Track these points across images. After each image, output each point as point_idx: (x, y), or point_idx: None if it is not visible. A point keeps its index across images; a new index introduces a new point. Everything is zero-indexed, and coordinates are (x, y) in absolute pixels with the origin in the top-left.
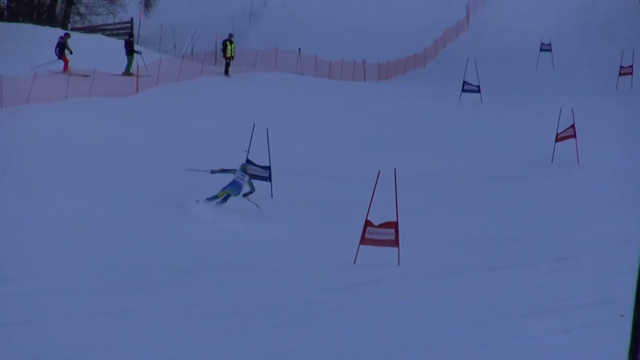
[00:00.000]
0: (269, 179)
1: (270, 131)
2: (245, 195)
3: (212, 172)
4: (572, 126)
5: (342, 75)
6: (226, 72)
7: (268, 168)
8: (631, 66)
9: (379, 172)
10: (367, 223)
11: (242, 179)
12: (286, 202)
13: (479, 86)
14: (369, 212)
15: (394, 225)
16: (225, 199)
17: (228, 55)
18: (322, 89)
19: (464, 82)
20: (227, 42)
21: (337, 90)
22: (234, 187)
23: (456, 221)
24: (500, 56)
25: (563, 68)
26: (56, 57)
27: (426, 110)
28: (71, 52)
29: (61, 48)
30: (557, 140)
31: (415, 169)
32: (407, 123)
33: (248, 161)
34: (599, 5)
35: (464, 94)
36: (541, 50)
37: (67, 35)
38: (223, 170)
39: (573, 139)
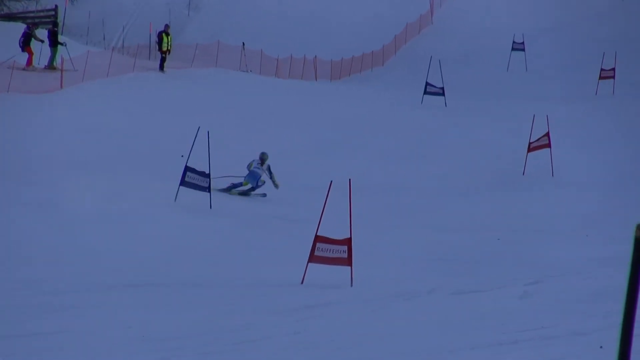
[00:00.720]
0: (207, 189)
1: (210, 134)
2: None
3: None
4: (547, 134)
5: (291, 73)
6: (161, 67)
7: (207, 176)
8: (613, 69)
9: (331, 182)
10: (317, 238)
11: (259, 168)
12: (228, 215)
13: (442, 88)
14: (320, 227)
15: (347, 241)
16: (248, 191)
17: (164, 48)
18: (269, 89)
19: (427, 84)
20: (163, 34)
21: (285, 90)
22: (250, 177)
23: (416, 238)
24: (467, 55)
25: (537, 70)
26: (20, 50)
27: (384, 114)
28: (42, 41)
29: (26, 39)
30: (529, 150)
31: (372, 180)
32: (362, 128)
33: (188, 167)
34: (578, 0)
35: (427, 96)
36: (513, 49)
37: (33, 26)
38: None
39: (547, 149)
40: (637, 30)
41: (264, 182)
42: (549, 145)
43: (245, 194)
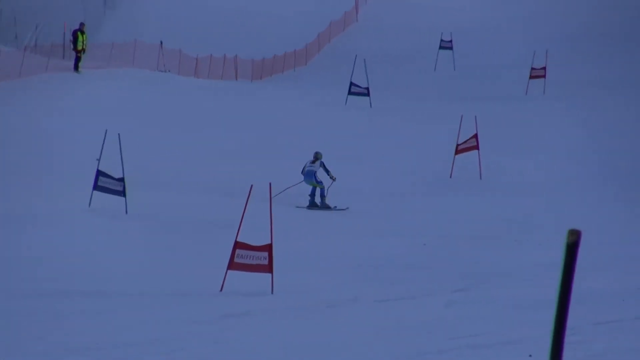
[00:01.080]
0: (122, 193)
1: (126, 136)
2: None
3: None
4: (475, 136)
5: (211, 73)
6: (76, 67)
7: (122, 180)
8: (544, 68)
9: (252, 186)
10: (237, 245)
11: (313, 166)
12: (144, 220)
13: (367, 88)
14: (240, 232)
15: (268, 248)
16: (322, 198)
17: (79, 47)
18: (187, 89)
19: (351, 84)
20: (78, 33)
21: (205, 90)
22: (307, 178)
23: (339, 244)
24: (394, 54)
25: (466, 69)
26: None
27: (307, 116)
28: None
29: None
30: (457, 152)
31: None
32: (285, 130)
33: (100, 172)
34: None
35: (351, 97)
36: (440, 48)
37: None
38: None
39: (475, 151)
40: (568, 29)
41: (321, 181)
42: (477, 147)
43: (326, 207)
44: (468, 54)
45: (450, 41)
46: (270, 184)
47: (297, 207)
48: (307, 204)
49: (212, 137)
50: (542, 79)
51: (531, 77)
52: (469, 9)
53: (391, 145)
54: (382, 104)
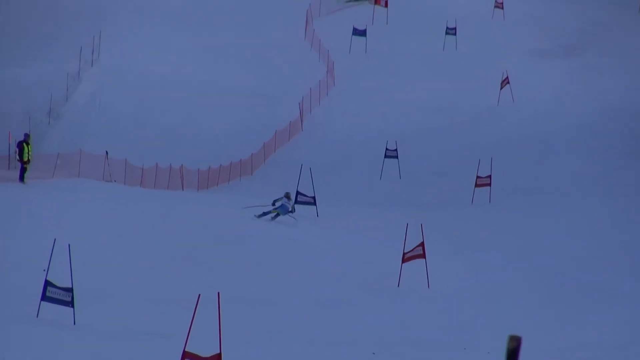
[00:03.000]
0: (71, 303)
1: (74, 246)
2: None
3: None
4: (421, 244)
5: (157, 183)
6: (22, 178)
7: (70, 290)
8: (489, 176)
9: (199, 295)
10: (185, 355)
11: (288, 203)
12: (89, 331)
13: (314, 197)
14: (187, 342)
15: (217, 357)
16: (275, 217)
17: (24, 158)
18: (133, 199)
19: (297, 193)
20: (24, 144)
21: (150, 200)
22: (282, 209)
23: (290, 350)
24: (340, 162)
25: (411, 177)
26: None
27: (253, 225)
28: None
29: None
30: (404, 260)
31: (244, 293)
32: (232, 239)
33: (48, 282)
34: (456, 103)
35: (298, 206)
36: (386, 156)
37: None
38: (274, 204)
39: (422, 259)
40: (511, 135)
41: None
42: (423, 256)
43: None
44: (414, 161)
45: (395, 149)
46: (218, 293)
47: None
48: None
49: (159, 246)
50: (488, 187)
51: (477, 185)
52: (412, 114)
53: (336, 254)
54: (329, 211)
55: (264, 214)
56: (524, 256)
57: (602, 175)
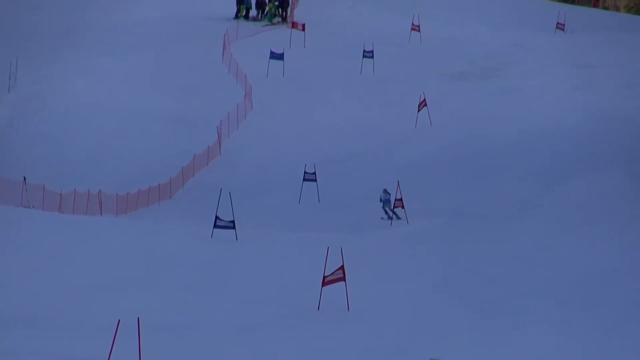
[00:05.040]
0: None
1: None
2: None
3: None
4: (341, 267)
5: (75, 208)
6: None
7: None
8: (401, 199)
9: (119, 321)
10: None
11: (388, 196)
12: (10, 356)
13: (233, 222)
14: None
15: None
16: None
17: None
18: (52, 225)
19: (216, 217)
20: None
21: (67, 226)
22: (387, 203)
23: None
24: (258, 186)
25: (330, 200)
26: None
27: (171, 250)
28: None
29: None
30: (324, 283)
31: (163, 318)
32: (149, 265)
33: None
34: (375, 126)
35: (217, 230)
36: (305, 180)
37: None
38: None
39: (342, 282)
40: (431, 158)
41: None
42: (343, 279)
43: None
44: (332, 184)
45: (314, 173)
46: (138, 318)
47: None
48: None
49: (79, 271)
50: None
51: (394, 207)
52: (331, 138)
53: (256, 278)
54: (248, 235)
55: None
56: (447, 279)
57: (526, 198)
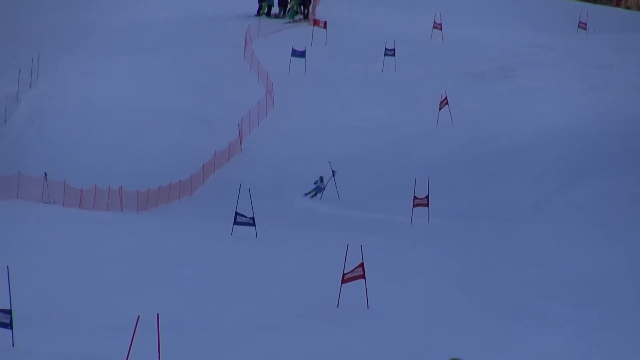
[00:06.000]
0: (9, 325)
1: (11, 270)
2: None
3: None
4: (361, 265)
5: (96, 204)
6: None
7: (9, 312)
8: (426, 197)
9: (138, 317)
10: None
11: (321, 184)
12: (27, 354)
13: (253, 218)
14: None
15: None
16: (313, 196)
17: None
18: (72, 222)
19: (236, 214)
20: None
21: (88, 223)
22: (318, 189)
23: None
24: (278, 184)
25: (349, 198)
26: None
27: (191, 248)
28: None
29: None
30: (343, 281)
31: (178, 318)
32: (169, 263)
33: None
34: (395, 124)
35: (237, 227)
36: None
37: None
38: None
39: (362, 280)
40: (451, 157)
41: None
42: (363, 276)
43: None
44: (350, 183)
45: (333, 171)
46: (158, 315)
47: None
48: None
49: (97, 269)
50: (426, 208)
51: (414, 205)
52: (351, 136)
53: (275, 276)
54: (269, 234)
55: (306, 194)
56: (464, 278)
57: (542, 198)
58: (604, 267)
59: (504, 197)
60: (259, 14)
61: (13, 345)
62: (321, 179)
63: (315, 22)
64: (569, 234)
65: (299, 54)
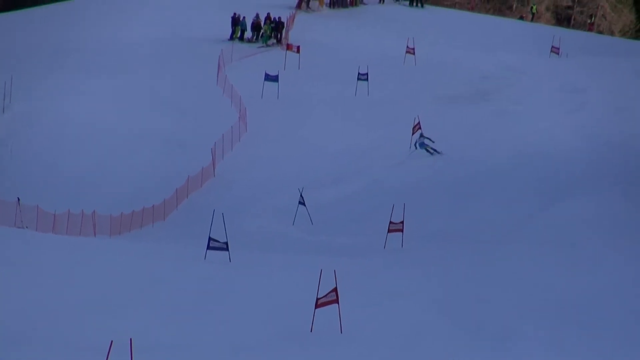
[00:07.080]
0: None
1: None
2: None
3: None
4: (334, 290)
5: (69, 229)
6: None
7: None
8: (402, 222)
9: (112, 342)
10: None
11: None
12: None
13: (226, 243)
14: None
15: None
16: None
17: None
18: (43, 247)
19: (210, 239)
20: None
21: (60, 247)
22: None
23: None
24: (252, 208)
25: (323, 222)
26: None
27: (164, 273)
28: None
29: None
30: (317, 305)
31: (153, 339)
32: (141, 286)
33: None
34: (369, 149)
35: (210, 251)
36: (299, 203)
37: None
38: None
39: (335, 304)
40: (425, 180)
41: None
42: (336, 301)
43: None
44: (324, 208)
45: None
46: (130, 339)
47: None
48: None
49: (72, 292)
50: (400, 233)
51: (389, 231)
52: (325, 160)
53: (249, 300)
54: (241, 257)
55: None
56: (441, 301)
57: (518, 220)
58: (580, 288)
59: (480, 219)
60: (232, 38)
61: None
62: (421, 134)
63: (289, 47)
64: (546, 256)
65: (272, 78)
